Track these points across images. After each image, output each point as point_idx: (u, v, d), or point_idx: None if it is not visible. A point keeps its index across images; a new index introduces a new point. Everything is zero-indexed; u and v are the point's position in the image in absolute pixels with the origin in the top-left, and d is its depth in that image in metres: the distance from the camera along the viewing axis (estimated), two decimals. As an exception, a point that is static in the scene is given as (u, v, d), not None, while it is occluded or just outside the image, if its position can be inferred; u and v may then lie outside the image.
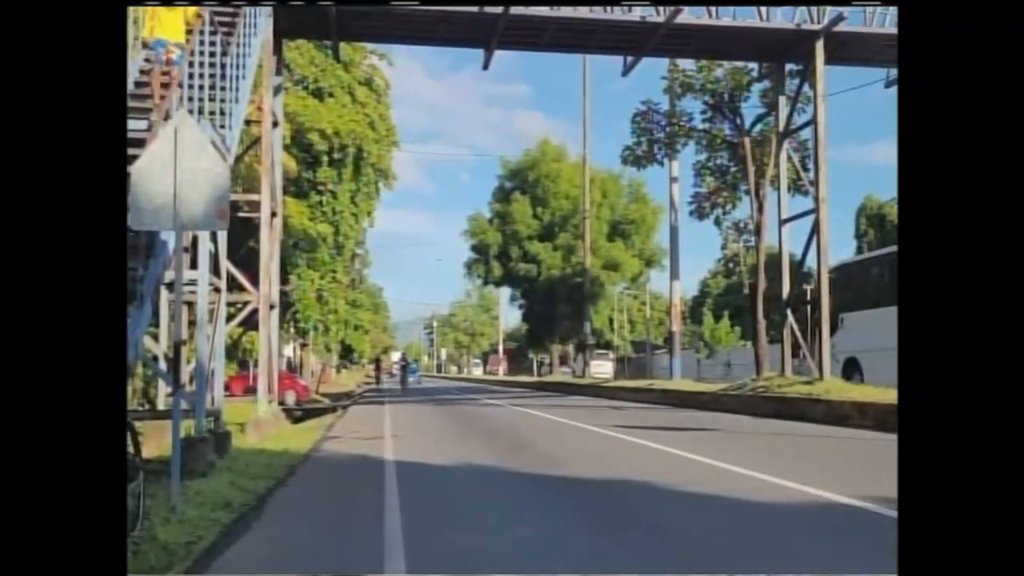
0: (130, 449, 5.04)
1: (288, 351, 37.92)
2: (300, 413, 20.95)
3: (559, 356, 53.59)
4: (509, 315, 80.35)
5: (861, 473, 7.63)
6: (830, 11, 16.70)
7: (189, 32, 10.32)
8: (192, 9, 10.37)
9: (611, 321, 59.00)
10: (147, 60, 10.62)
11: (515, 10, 16.05)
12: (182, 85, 9.33)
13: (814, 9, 16.84)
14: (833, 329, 19.05)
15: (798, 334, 18.39)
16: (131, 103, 10.42)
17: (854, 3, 15.64)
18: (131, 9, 10.19)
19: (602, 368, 46.73)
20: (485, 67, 18.98)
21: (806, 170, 20.22)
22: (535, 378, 49.93)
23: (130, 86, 10.59)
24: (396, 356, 72.17)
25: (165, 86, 9.51)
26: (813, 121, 17.80)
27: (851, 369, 19.43)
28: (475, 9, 16.19)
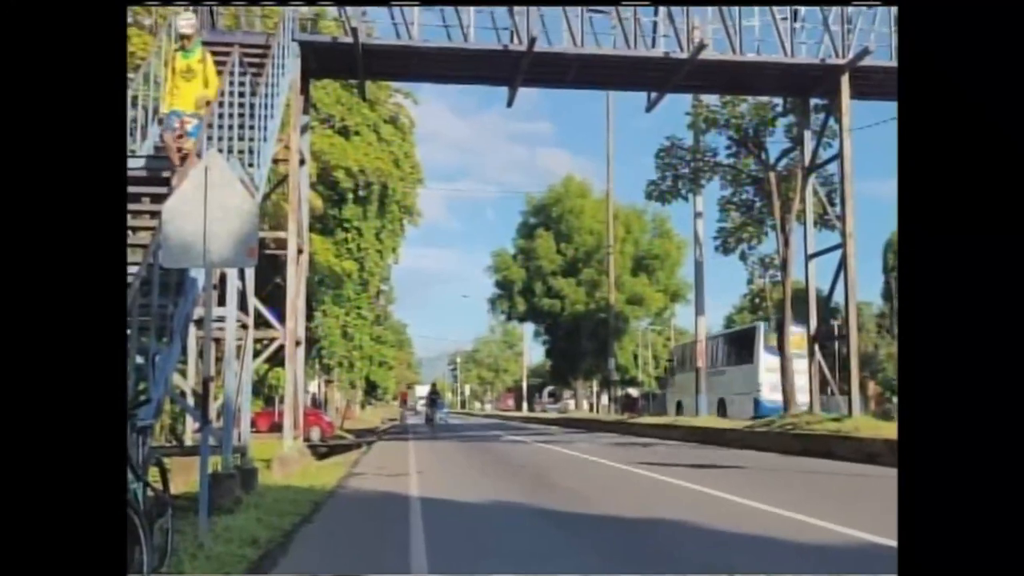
0: (159, 485, 5.05)
1: (313, 387, 38.00)
2: (325, 449, 20.95)
3: (548, 392, 53.62)
4: (533, 351, 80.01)
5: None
6: (855, 45, 16.67)
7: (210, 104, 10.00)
8: (213, 89, 9.88)
9: (635, 357, 58.60)
10: (159, 126, 10.45)
11: (539, 48, 16.15)
12: (206, 141, 9.23)
13: (839, 43, 16.81)
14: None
15: (826, 370, 18.19)
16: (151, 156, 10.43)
17: (854, 3, 15.62)
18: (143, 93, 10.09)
19: (556, 406, 57.45)
20: (509, 104, 19.09)
21: (832, 205, 20.08)
22: (558, 415, 49.64)
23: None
24: (422, 391, 69.62)
25: (183, 158, 9.04)
26: (839, 155, 17.69)
27: (679, 408, 32.70)
28: (500, 47, 16.35)
